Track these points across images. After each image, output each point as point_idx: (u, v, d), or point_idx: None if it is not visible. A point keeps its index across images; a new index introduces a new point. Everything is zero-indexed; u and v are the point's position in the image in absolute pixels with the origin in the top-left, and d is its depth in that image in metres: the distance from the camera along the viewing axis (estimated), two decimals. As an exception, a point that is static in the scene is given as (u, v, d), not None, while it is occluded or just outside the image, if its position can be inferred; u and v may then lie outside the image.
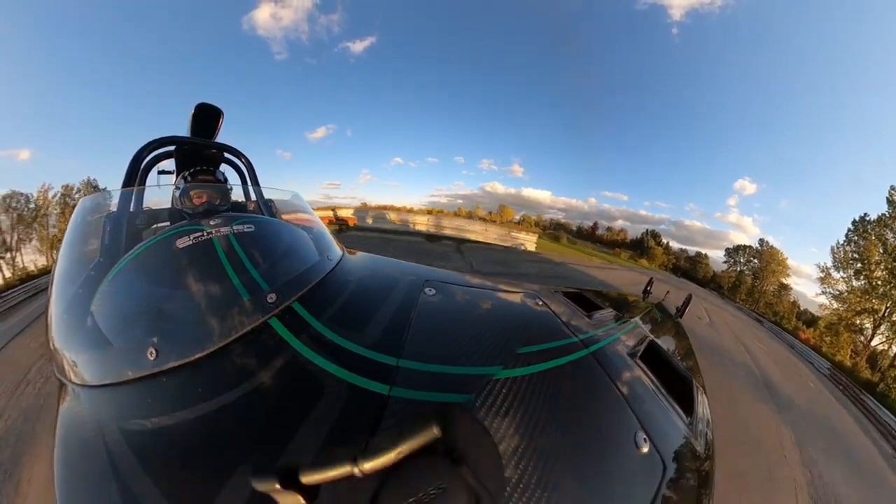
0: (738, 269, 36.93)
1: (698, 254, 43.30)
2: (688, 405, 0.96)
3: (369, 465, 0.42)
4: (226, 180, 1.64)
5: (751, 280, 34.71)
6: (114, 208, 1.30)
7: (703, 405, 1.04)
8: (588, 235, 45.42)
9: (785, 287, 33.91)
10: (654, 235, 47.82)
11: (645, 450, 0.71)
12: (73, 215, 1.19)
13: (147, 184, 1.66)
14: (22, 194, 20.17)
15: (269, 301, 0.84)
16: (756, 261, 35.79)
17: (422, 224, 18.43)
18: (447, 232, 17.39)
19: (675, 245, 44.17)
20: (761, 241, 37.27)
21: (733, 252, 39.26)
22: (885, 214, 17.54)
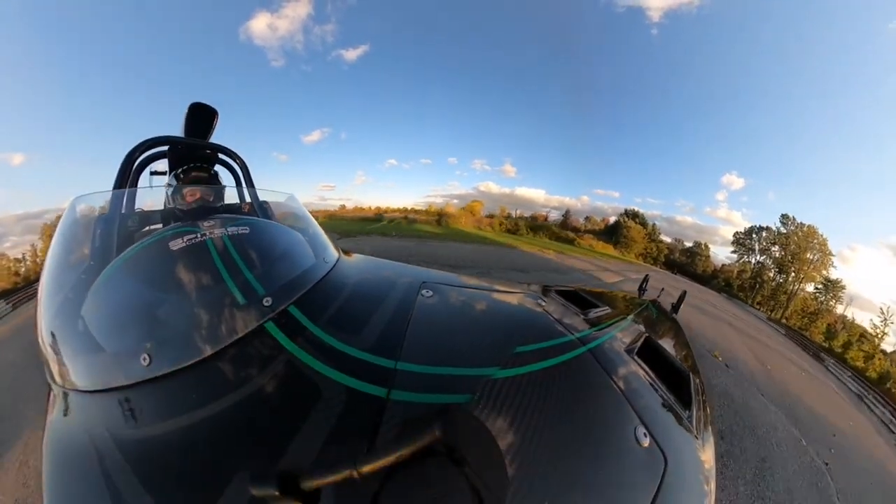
0: (754, 260, 24.94)
1: (697, 244, 33.13)
2: (686, 399, 0.97)
3: (369, 469, 0.41)
4: (216, 175, 1.63)
5: (773, 274, 23.39)
6: (105, 210, 1.28)
7: (700, 398, 1.05)
8: (561, 226, 42.34)
9: (836, 285, 21.34)
10: (633, 215, 33.63)
11: (645, 444, 0.71)
12: (62, 216, 1.15)
13: (139, 185, 1.64)
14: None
15: (266, 304, 0.83)
16: (778, 248, 23.69)
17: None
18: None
19: (667, 241, 36.32)
20: (784, 217, 23.76)
21: (745, 237, 26.21)
22: None
